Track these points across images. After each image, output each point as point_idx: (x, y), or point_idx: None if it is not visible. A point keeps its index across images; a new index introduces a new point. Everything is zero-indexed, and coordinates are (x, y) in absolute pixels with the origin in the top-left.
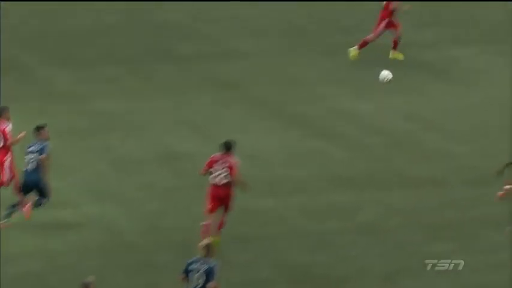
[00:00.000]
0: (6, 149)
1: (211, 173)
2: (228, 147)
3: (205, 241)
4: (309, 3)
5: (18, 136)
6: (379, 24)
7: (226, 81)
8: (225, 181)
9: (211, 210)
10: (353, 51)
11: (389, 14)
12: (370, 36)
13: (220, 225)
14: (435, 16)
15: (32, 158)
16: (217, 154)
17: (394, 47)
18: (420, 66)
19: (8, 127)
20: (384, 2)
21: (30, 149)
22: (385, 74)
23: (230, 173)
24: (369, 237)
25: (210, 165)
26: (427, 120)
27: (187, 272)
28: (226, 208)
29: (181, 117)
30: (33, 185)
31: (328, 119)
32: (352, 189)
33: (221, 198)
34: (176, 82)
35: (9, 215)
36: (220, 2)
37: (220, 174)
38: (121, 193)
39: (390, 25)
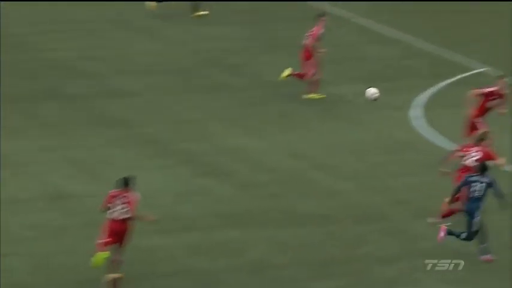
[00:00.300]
0: None
1: (109, 209)
2: (126, 182)
3: (111, 276)
4: (194, 42)
5: None
6: (306, 64)
7: (114, 119)
8: (123, 216)
9: (106, 244)
10: (287, 71)
11: (309, 55)
12: (306, 75)
13: (116, 265)
14: (329, 54)
15: None
16: (115, 190)
17: (312, 90)
18: (309, 103)
19: None
20: (303, 43)
21: None
22: (372, 92)
23: (129, 209)
24: (259, 275)
25: (109, 200)
26: (315, 158)
27: None
28: (122, 243)
29: (69, 156)
30: None
31: (218, 157)
32: (242, 227)
33: (118, 232)
34: (63, 121)
35: None
36: (106, 41)
37: (119, 209)
38: (8, 233)
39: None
